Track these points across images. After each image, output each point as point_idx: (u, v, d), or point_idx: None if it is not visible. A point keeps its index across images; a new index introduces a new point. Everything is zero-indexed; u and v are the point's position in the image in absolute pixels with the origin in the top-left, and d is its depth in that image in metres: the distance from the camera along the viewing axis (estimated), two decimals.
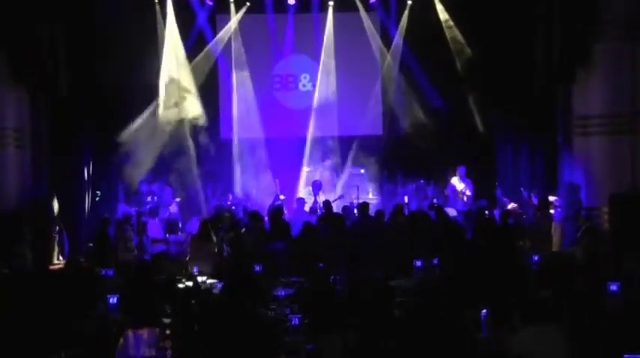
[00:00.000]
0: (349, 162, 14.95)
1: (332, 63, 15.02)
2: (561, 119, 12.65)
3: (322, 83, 15.06)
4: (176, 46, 14.47)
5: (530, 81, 12.75)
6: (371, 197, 14.14)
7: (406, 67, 14.99)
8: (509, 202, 12.79)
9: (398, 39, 14.96)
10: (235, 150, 15.03)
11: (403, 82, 14.99)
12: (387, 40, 15.16)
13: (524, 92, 13.00)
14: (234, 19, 14.80)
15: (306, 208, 13.53)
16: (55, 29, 11.87)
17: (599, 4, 11.65)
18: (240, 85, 15.05)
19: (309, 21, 15.11)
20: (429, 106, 14.78)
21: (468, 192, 13.55)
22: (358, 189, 14.21)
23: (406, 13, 14.81)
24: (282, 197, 13.81)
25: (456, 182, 13.82)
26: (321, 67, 15.05)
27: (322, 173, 14.80)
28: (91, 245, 11.36)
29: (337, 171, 14.97)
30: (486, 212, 12.37)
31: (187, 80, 14.50)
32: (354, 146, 14.95)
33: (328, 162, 14.96)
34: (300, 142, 15.02)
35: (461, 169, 13.73)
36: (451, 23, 14.41)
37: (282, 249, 10.03)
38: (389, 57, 15.08)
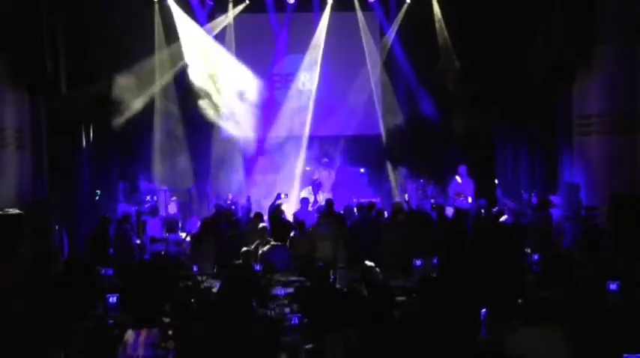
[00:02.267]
0: (348, 162, 14.98)
1: (330, 62, 14.99)
2: (561, 118, 12.65)
3: (320, 82, 15.03)
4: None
5: (530, 80, 12.75)
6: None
7: (403, 66, 14.97)
8: (511, 203, 12.77)
9: (393, 39, 14.99)
10: (235, 149, 15.01)
11: (401, 82, 14.99)
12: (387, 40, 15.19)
13: (523, 91, 12.99)
14: (229, 15, 14.76)
15: (309, 208, 13.53)
16: (54, 29, 11.87)
17: (599, 4, 11.65)
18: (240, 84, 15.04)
19: (309, 20, 15.09)
20: (429, 106, 14.77)
21: (469, 199, 13.48)
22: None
23: (403, 11, 14.80)
24: (283, 196, 13.82)
25: (458, 182, 13.78)
26: (316, 66, 15.03)
27: (320, 172, 14.80)
28: (90, 244, 11.36)
29: (336, 170, 14.97)
30: (482, 211, 12.37)
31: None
32: (353, 145, 14.95)
33: (326, 161, 14.96)
34: (298, 141, 15.00)
35: (462, 168, 13.71)
36: (443, 25, 14.46)
37: (284, 258, 10.03)
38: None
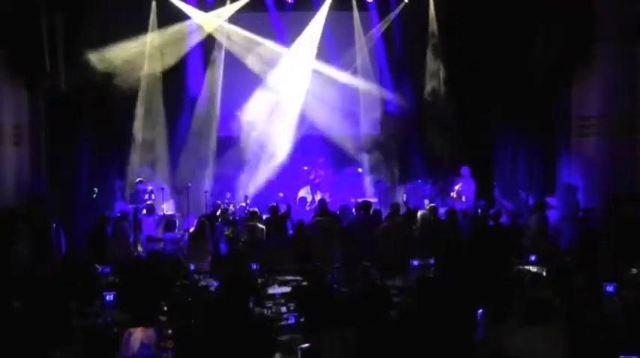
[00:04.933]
0: (346, 162, 14.97)
1: (328, 60, 14.95)
2: (560, 119, 12.66)
3: (318, 81, 14.97)
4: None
5: (530, 81, 12.74)
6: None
7: (399, 65, 14.94)
8: (508, 204, 12.77)
9: (382, 36, 14.99)
10: (234, 148, 14.99)
11: (394, 81, 14.98)
12: (388, 38, 15.14)
13: (522, 92, 12.98)
14: (227, 11, 14.70)
15: (306, 207, 13.54)
16: (54, 26, 11.87)
17: (599, 4, 11.66)
18: (239, 83, 15.00)
19: (308, 19, 15.03)
20: (426, 105, 14.76)
21: (464, 199, 13.47)
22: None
23: (398, 10, 14.78)
24: (280, 194, 13.84)
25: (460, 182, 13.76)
26: (315, 64, 14.96)
27: (317, 172, 14.78)
28: (88, 242, 11.35)
29: (333, 169, 14.95)
30: (479, 211, 12.38)
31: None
32: (352, 145, 14.94)
33: (322, 161, 14.93)
34: (298, 140, 14.96)
35: (464, 169, 13.68)
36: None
37: (281, 243, 10.07)
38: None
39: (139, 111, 14.13)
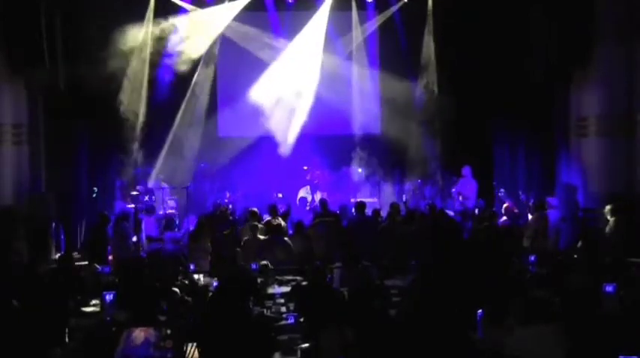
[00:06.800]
0: (345, 161, 14.96)
1: (327, 59, 14.93)
2: (559, 119, 12.67)
3: (319, 80, 14.95)
4: None
5: (528, 81, 12.75)
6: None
7: (397, 63, 14.93)
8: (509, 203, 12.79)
9: (392, 34, 14.98)
10: (233, 147, 14.99)
11: (398, 79, 14.98)
12: (386, 35, 15.13)
13: (521, 92, 12.99)
14: (226, 9, 14.67)
15: (307, 207, 13.54)
16: (53, 25, 11.86)
17: (597, 5, 11.67)
18: (239, 82, 15.00)
19: (308, 19, 15.03)
20: (425, 105, 14.76)
21: (461, 198, 13.47)
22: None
23: (396, 7, 14.79)
24: (279, 195, 13.82)
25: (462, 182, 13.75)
26: (315, 63, 14.94)
27: (314, 172, 14.77)
28: (88, 241, 11.35)
29: (332, 169, 14.95)
30: (476, 211, 12.38)
31: None
32: (351, 145, 14.93)
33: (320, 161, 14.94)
34: (297, 140, 14.95)
35: (466, 169, 13.67)
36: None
37: (280, 243, 10.07)
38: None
39: (138, 109, 14.10)
